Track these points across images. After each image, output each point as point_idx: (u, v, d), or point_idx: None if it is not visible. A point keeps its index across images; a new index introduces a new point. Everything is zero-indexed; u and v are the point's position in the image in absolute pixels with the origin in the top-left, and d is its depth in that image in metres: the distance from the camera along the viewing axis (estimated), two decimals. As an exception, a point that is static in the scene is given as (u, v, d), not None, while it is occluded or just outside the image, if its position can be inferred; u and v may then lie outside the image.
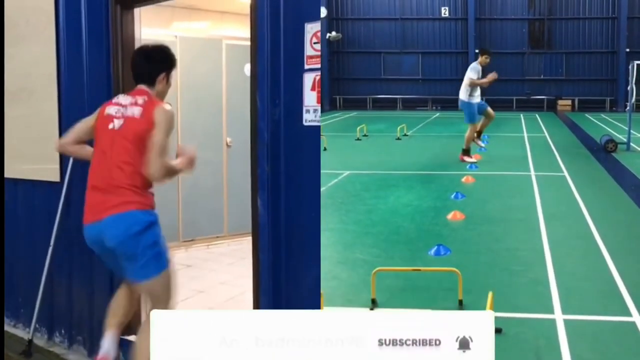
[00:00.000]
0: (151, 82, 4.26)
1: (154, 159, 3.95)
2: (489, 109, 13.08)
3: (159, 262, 4.08)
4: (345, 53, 34.96)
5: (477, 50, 14.31)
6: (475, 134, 13.05)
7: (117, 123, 4.11)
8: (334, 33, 33.32)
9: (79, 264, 5.45)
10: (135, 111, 4.08)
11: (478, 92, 12.75)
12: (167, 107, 4.15)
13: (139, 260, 4.02)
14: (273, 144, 4.07)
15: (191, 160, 4.24)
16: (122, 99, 4.25)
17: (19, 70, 5.95)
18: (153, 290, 4.14)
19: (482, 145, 13.63)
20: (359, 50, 34.75)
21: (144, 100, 4.13)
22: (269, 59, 4.06)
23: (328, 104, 33.59)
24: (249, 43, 4.27)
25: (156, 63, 4.30)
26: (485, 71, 12.88)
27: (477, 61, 12.89)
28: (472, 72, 12.61)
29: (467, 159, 12.68)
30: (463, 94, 12.74)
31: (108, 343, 4.29)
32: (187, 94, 8.79)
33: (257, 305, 4.22)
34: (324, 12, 31.52)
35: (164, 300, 4.15)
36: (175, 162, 4.17)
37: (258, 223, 4.18)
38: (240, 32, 9.04)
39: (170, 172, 4.09)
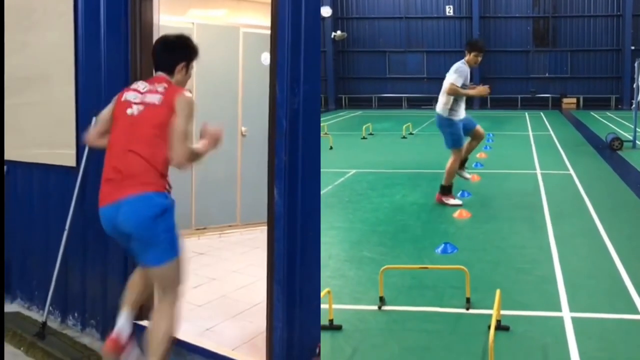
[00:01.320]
0: (170, 71, 4.30)
1: (177, 145, 3.98)
2: (478, 128, 9.02)
3: (173, 248, 4.13)
4: (350, 52, 34.99)
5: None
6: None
7: (136, 109, 4.14)
8: (339, 32, 33.33)
9: (93, 248, 5.49)
10: (156, 98, 4.11)
11: (463, 104, 8.74)
12: (188, 94, 4.17)
13: (154, 245, 4.09)
14: (292, 133, 4.06)
15: (216, 138, 4.25)
16: (141, 85, 4.29)
17: (36, 56, 5.98)
18: (164, 275, 4.20)
19: (468, 176, 9.53)
20: (364, 49, 34.77)
21: (163, 88, 4.16)
22: (289, 48, 4.03)
23: (333, 103, 33.64)
24: (265, 31, 4.25)
25: (176, 53, 4.34)
26: (474, 75, 9.47)
27: (463, 60, 8.62)
28: (455, 75, 8.48)
29: (448, 200, 8.85)
30: (441, 107, 8.68)
31: (122, 320, 4.37)
32: (203, 82, 8.75)
33: (271, 294, 4.23)
34: (328, 11, 31.55)
35: (173, 286, 4.23)
36: (199, 146, 4.18)
37: (274, 213, 4.17)
38: (258, 20, 9.00)
39: (195, 157, 4.11)
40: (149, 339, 4.27)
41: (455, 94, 8.50)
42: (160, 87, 4.17)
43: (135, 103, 4.16)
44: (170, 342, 4.27)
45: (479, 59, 8.61)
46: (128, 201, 4.02)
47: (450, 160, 8.78)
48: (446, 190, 8.89)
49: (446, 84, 8.53)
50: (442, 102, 8.64)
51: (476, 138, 9.10)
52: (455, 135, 8.70)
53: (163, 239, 4.07)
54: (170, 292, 4.24)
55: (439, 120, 8.82)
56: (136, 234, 4.09)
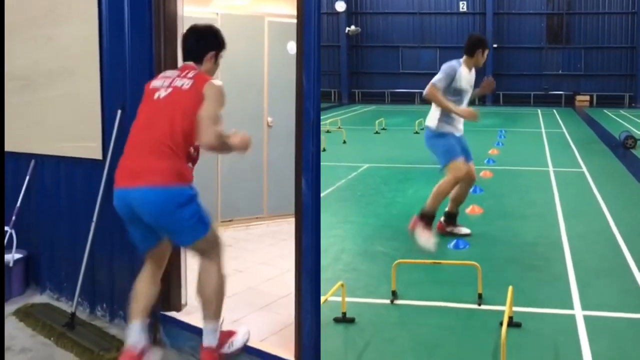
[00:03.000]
0: (199, 60, 4.34)
1: (207, 127, 3.96)
2: (470, 165, 6.75)
3: (202, 225, 4.15)
4: (363, 47, 34.99)
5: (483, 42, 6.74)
6: (444, 218, 6.98)
7: (162, 93, 4.14)
8: (352, 27, 33.34)
9: (121, 240, 5.49)
10: (185, 83, 4.12)
11: (461, 120, 6.64)
12: (217, 82, 4.18)
13: (182, 230, 4.13)
14: (319, 123, 4.06)
15: (246, 140, 4.23)
16: (169, 72, 4.34)
17: (61, 50, 6.02)
18: (200, 248, 4.26)
19: (467, 231, 6.97)
20: (377, 44, 34.78)
21: (194, 74, 4.18)
22: (316, 37, 4.02)
23: (347, 97, 33.69)
24: (291, 20, 4.21)
25: (206, 42, 4.39)
26: (487, 70, 7.43)
27: (460, 60, 6.55)
28: (440, 75, 6.44)
29: (421, 233, 6.57)
30: (430, 119, 6.65)
31: (135, 333, 4.29)
32: (228, 72, 8.63)
33: (299, 286, 4.25)
34: (343, 6, 31.54)
35: (212, 250, 4.28)
36: (229, 137, 4.14)
37: (302, 204, 4.15)
38: (283, 9, 8.92)
39: (224, 143, 4.07)
40: (199, 299, 4.32)
41: (433, 100, 6.46)
42: (191, 73, 4.20)
43: (163, 88, 4.17)
44: (221, 297, 4.32)
45: (485, 59, 6.70)
46: (147, 191, 3.99)
47: (445, 179, 6.59)
48: (426, 217, 6.62)
49: (429, 88, 6.42)
50: (432, 113, 6.66)
51: (464, 179, 6.70)
52: (448, 145, 6.54)
53: (188, 225, 4.07)
54: (211, 255, 4.28)
55: (427, 136, 6.75)
56: (157, 225, 4.12)
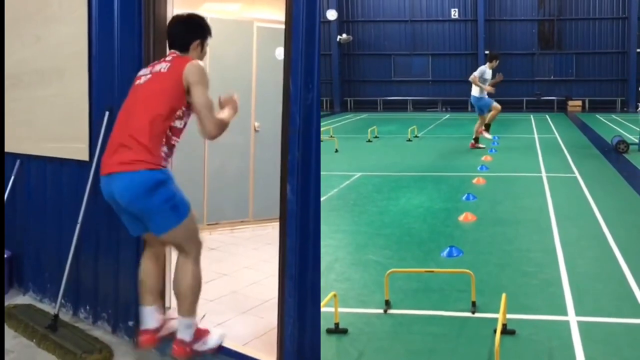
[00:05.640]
0: (185, 49, 4.37)
1: (206, 118, 4.06)
2: (495, 104, 15.09)
3: (176, 213, 4.17)
4: (355, 55, 34.97)
5: (487, 52, 15.24)
6: (484, 126, 15.18)
7: (143, 79, 4.22)
8: (344, 35, 33.36)
9: (106, 242, 5.50)
10: (163, 66, 4.18)
11: (485, 91, 14.91)
12: (197, 61, 4.20)
13: (155, 216, 4.15)
14: (305, 129, 4.04)
15: (235, 105, 4.38)
16: (154, 63, 4.42)
17: (50, 50, 6.00)
18: (176, 239, 4.28)
19: (489, 137, 15.49)
20: (369, 52, 34.76)
21: (172, 57, 4.24)
22: (303, 43, 4.01)
23: (339, 105, 33.67)
24: (280, 26, 4.23)
25: (191, 30, 4.43)
26: (494, 73, 15.00)
27: (486, 64, 15.06)
28: (477, 72, 14.84)
29: (485, 133, 15.25)
30: (474, 91, 14.93)
31: (146, 317, 4.49)
32: (216, 76, 8.61)
33: (282, 291, 4.23)
34: (334, 14, 31.58)
35: (188, 244, 4.30)
36: (225, 115, 4.27)
37: (286, 209, 4.15)
38: (272, 14, 8.91)
39: (224, 126, 4.19)
40: (175, 294, 4.38)
41: (474, 83, 14.68)
42: (169, 57, 4.27)
43: (145, 75, 4.27)
44: (196, 294, 4.35)
45: (497, 64, 15.04)
46: (119, 176, 4.06)
47: (491, 112, 15.06)
48: (487, 126, 15.25)
49: (471, 76, 14.80)
50: (474, 88, 14.82)
51: (494, 109, 15.01)
52: (488, 100, 14.96)
53: (161, 210, 4.11)
54: (187, 250, 4.31)
55: (472, 98, 15.14)
56: (131, 209, 4.17)
